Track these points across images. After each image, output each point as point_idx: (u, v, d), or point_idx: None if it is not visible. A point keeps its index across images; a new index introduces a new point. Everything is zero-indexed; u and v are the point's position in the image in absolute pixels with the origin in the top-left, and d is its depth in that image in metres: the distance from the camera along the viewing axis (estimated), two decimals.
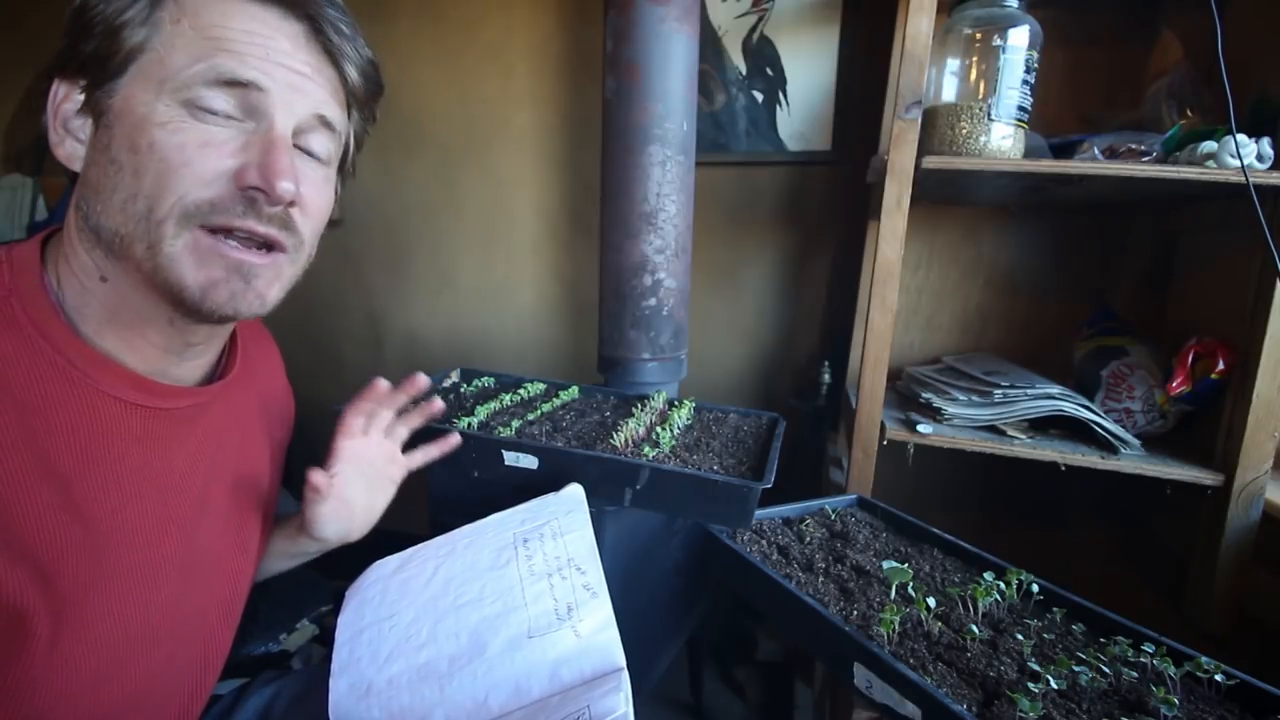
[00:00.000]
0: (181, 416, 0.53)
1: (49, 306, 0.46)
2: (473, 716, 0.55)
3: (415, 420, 0.73)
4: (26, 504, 0.43)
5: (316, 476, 0.60)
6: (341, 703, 0.59)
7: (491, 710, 0.55)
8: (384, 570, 0.71)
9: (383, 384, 0.67)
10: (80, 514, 0.46)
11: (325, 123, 0.51)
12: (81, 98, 0.46)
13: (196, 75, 0.43)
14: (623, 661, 0.56)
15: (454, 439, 0.75)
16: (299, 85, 0.47)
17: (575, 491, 0.78)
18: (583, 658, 0.56)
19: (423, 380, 0.69)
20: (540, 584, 0.63)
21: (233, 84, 0.44)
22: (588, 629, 0.58)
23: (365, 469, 0.67)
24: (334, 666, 0.62)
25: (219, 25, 0.44)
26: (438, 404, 0.73)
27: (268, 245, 0.49)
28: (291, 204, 0.48)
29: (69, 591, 0.45)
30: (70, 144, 0.46)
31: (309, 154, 0.51)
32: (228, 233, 0.46)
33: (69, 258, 0.48)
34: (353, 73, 0.52)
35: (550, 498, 0.77)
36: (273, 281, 0.50)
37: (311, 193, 0.51)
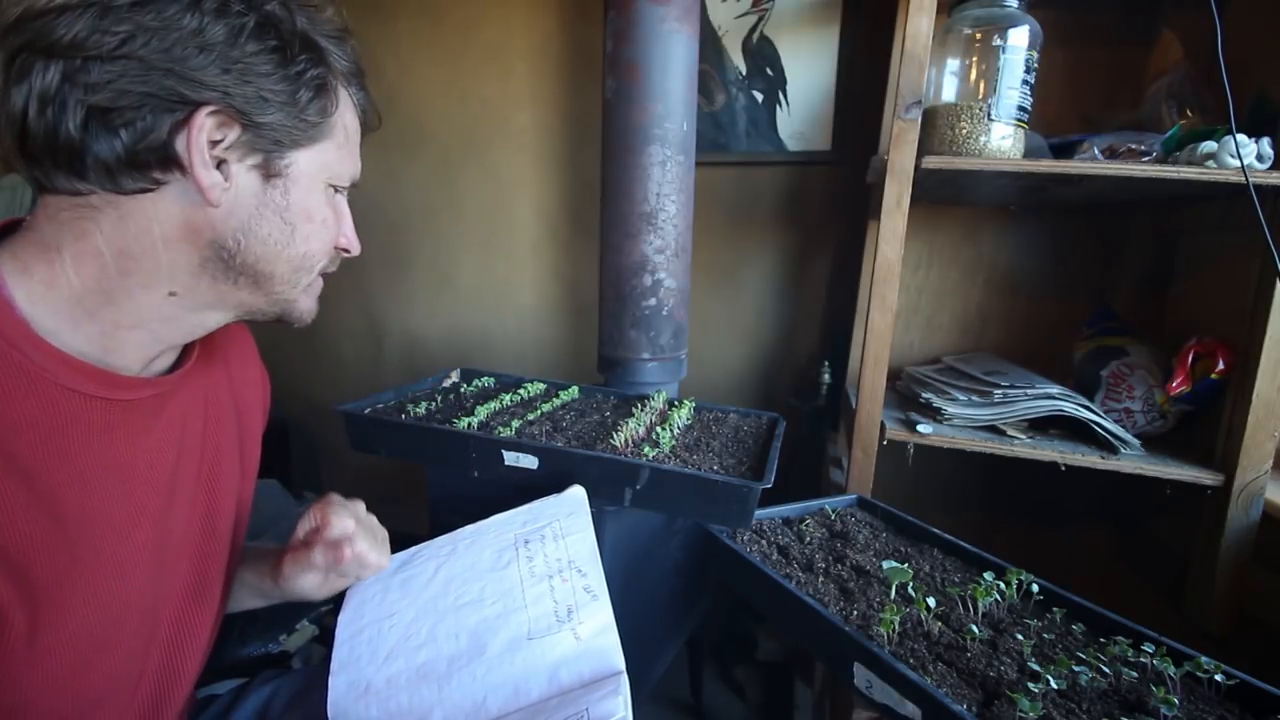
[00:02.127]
0: (144, 407, 0.54)
1: (2, 301, 0.46)
2: (471, 717, 0.55)
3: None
4: None
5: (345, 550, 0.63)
6: (340, 701, 0.59)
7: (490, 711, 0.55)
8: (385, 569, 0.71)
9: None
10: (47, 508, 0.46)
11: None
12: (238, 142, 0.49)
13: (344, 175, 0.57)
14: (622, 665, 0.56)
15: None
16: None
17: (577, 493, 0.78)
18: (582, 660, 0.56)
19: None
20: (541, 585, 0.63)
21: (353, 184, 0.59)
22: (588, 632, 0.58)
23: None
24: (333, 665, 0.61)
25: (352, 132, 0.57)
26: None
27: None
28: None
29: (42, 585, 0.46)
30: (215, 178, 0.49)
31: None
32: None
33: (122, 273, 0.49)
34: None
35: (552, 499, 0.77)
36: None
37: None
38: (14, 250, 0.48)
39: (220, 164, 0.48)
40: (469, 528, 0.74)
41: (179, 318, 0.52)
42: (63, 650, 0.47)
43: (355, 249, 0.61)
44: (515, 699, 0.55)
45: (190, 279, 0.51)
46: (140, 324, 0.50)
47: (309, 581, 0.65)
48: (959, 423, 1.08)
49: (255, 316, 0.57)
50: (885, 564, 0.79)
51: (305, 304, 0.59)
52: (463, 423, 0.90)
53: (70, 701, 0.49)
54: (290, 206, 0.53)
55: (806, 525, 0.93)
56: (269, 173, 0.51)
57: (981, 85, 0.99)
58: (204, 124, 0.46)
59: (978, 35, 0.99)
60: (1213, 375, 0.96)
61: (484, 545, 0.71)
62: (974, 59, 0.99)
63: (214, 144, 0.48)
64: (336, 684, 0.60)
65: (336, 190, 0.57)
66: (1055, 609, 0.73)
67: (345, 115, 0.55)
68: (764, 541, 0.88)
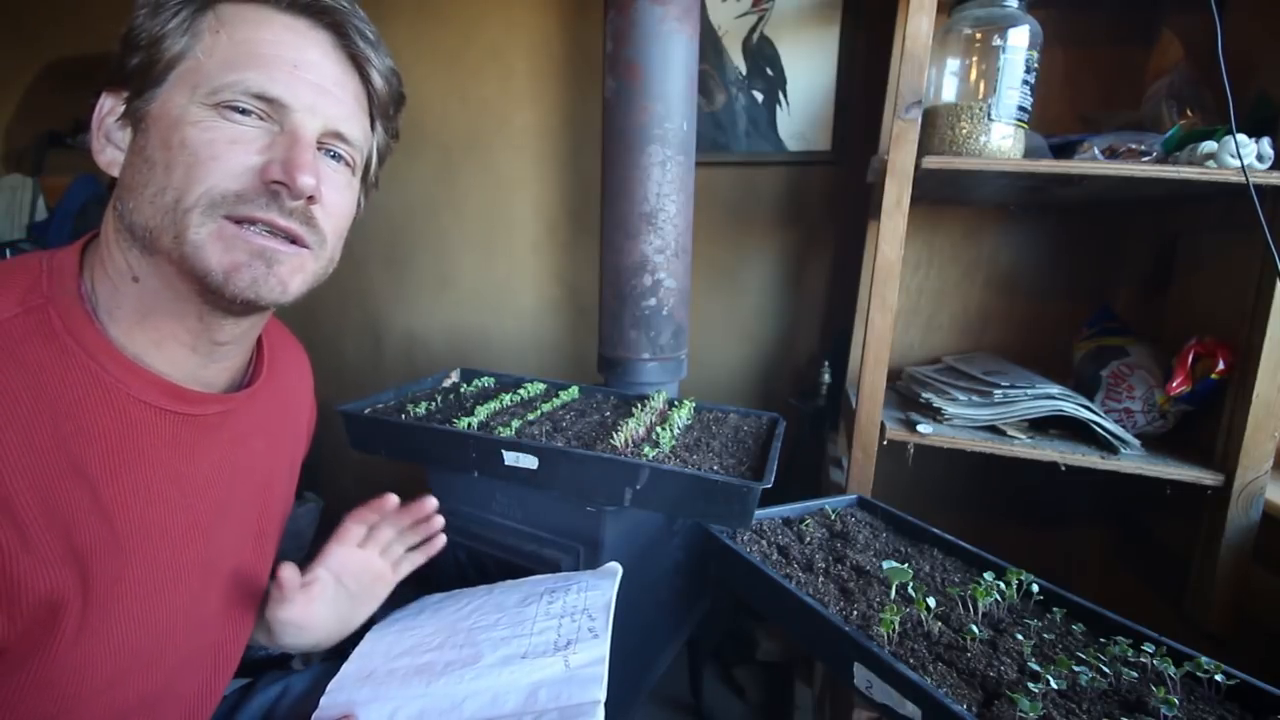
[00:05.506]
0: (209, 423, 0.54)
1: (84, 313, 0.47)
2: (445, 714, 0.58)
3: (412, 538, 0.69)
4: (63, 505, 0.44)
5: (286, 571, 0.57)
6: (343, 681, 0.64)
7: (464, 712, 0.57)
8: (429, 600, 0.77)
9: (392, 500, 0.65)
10: (108, 516, 0.46)
11: (344, 138, 0.53)
12: (123, 108, 0.48)
13: (227, 85, 0.46)
14: (602, 696, 0.56)
15: (439, 542, 0.70)
16: (323, 97, 0.50)
17: (612, 566, 0.79)
18: (564, 684, 0.58)
19: (431, 504, 0.68)
20: (550, 622, 0.66)
21: (261, 97, 0.47)
22: (578, 661, 0.60)
23: (351, 583, 0.65)
24: (352, 654, 0.66)
25: (252, 38, 0.47)
26: (438, 522, 0.70)
27: (290, 239, 0.50)
28: (311, 200, 0.50)
29: (96, 591, 0.46)
30: (111, 151, 0.49)
31: (330, 157, 0.53)
32: (251, 223, 0.48)
33: (105, 262, 0.49)
34: (377, 80, 0.55)
35: (589, 571, 0.80)
36: (296, 271, 0.51)
37: (332, 193, 0.53)
38: (89, 261, 0.50)
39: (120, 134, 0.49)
40: (511, 581, 0.78)
41: (164, 307, 0.50)
42: (105, 660, 0.47)
43: (295, 181, 0.47)
44: (490, 707, 0.57)
45: (137, 259, 0.48)
46: (143, 321, 0.50)
47: (308, 613, 0.60)
48: (959, 423, 1.08)
49: (210, 299, 0.49)
50: (885, 564, 0.79)
51: (216, 258, 0.46)
52: (463, 423, 0.90)
53: (104, 713, 0.49)
54: (150, 144, 0.47)
55: (806, 525, 0.93)
56: (136, 120, 0.48)
57: (981, 85, 0.98)
58: (102, 104, 0.48)
59: (978, 35, 0.99)
60: (1213, 375, 0.96)
61: (515, 590, 0.74)
62: (974, 59, 0.99)
63: (114, 120, 0.49)
64: (347, 669, 0.65)
65: (238, 110, 0.47)
66: (1055, 609, 0.73)
67: (220, 24, 0.47)
68: (764, 541, 0.88)
